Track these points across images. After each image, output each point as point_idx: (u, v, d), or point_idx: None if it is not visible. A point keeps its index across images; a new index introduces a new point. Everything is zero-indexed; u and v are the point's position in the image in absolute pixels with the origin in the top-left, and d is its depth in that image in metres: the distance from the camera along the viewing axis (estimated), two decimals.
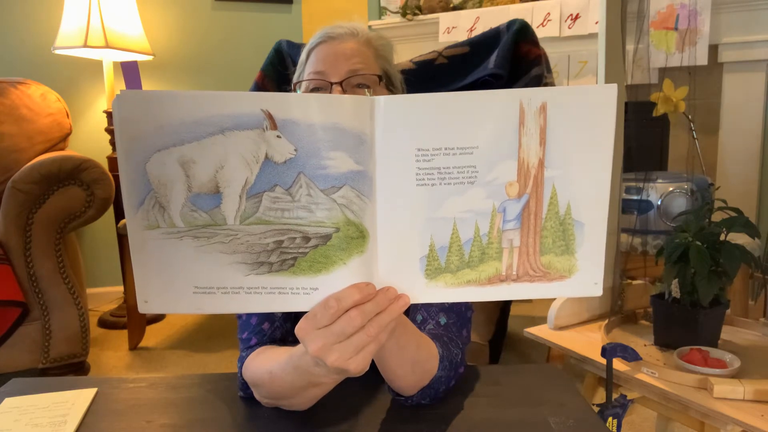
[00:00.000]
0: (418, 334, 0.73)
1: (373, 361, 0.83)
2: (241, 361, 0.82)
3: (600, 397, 1.20)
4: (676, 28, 2.38)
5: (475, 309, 1.54)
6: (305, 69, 0.88)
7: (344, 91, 0.84)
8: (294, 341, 0.75)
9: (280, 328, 0.85)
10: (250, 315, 0.85)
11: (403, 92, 0.94)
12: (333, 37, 0.87)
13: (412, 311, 0.85)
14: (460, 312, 0.85)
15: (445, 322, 0.84)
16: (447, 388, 0.80)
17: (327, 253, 0.56)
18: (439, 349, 0.77)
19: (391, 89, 0.91)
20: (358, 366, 0.57)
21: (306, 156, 0.54)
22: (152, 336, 2.54)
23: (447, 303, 0.84)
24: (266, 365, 0.74)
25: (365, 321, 0.56)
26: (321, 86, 0.85)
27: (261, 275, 0.56)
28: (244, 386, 0.82)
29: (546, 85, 1.77)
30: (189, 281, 0.56)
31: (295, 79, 0.91)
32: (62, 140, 2.33)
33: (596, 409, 0.97)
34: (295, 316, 0.85)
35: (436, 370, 0.76)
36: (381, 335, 0.57)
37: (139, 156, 0.54)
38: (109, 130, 2.63)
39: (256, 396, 0.79)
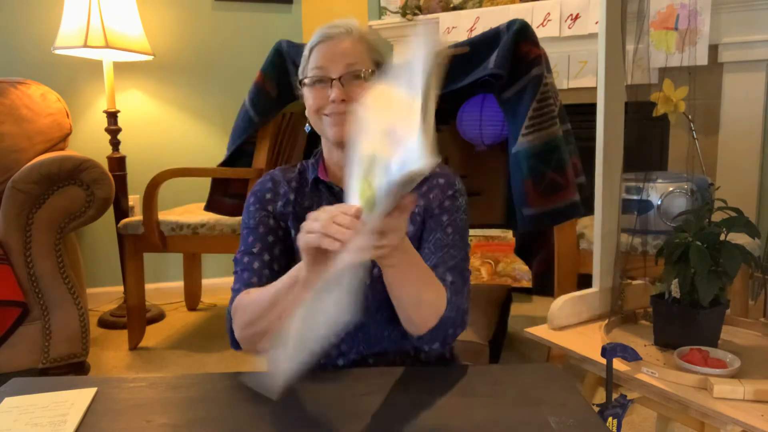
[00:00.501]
0: (426, 272, 0.87)
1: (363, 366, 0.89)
2: (231, 304, 0.96)
3: (600, 397, 1.20)
4: (676, 28, 2.38)
5: (475, 312, 1.56)
6: (308, 65, 1.00)
7: (342, 85, 0.96)
8: None
9: (258, 284, 0.97)
10: (244, 270, 1.00)
11: None
12: (331, 36, 0.99)
13: None
14: (462, 272, 0.98)
15: (451, 279, 0.97)
16: (454, 333, 0.93)
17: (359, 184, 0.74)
18: (447, 293, 0.91)
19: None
20: (301, 243, 0.78)
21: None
22: (152, 336, 2.54)
23: (452, 263, 0.98)
24: (254, 295, 0.91)
25: (325, 223, 0.74)
26: (323, 79, 0.98)
27: None
28: (230, 327, 0.95)
29: (546, 84, 1.77)
30: None
31: (300, 74, 1.03)
32: (62, 140, 2.34)
33: (596, 409, 0.97)
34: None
35: (443, 310, 0.89)
36: (320, 240, 0.73)
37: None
38: (109, 130, 2.63)
39: (236, 330, 0.93)
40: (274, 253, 1.01)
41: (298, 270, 0.83)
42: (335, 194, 1.04)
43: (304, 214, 1.00)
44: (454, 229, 1.02)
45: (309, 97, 1.00)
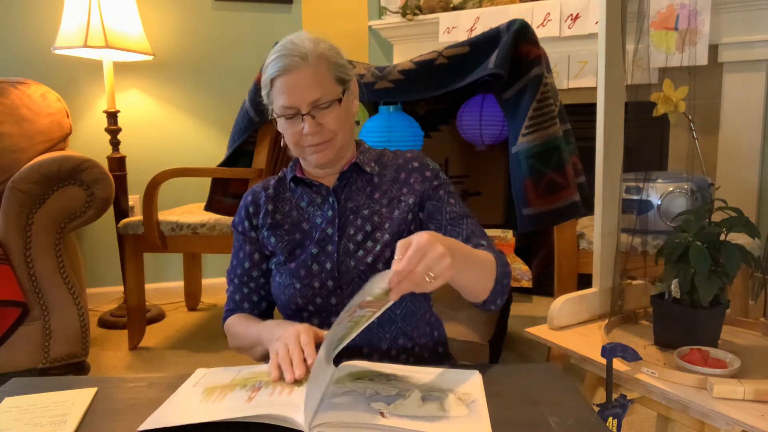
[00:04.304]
0: (473, 257, 0.90)
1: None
2: (224, 321, 1.13)
3: (600, 397, 1.20)
4: (676, 28, 2.38)
5: (475, 311, 1.58)
6: (275, 99, 1.02)
7: (313, 117, 1.00)
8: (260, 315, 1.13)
9: (248, 311, 1.13)
10: (229, 298, 1.14)
11: (356, 84, 1.11)
12: (288, 69, 0.98)
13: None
14: (483, 230, 1.08)
15: (484, 242, 1.05)
16: (508, 282, 1.01)
17: None
18: (492, 254, 0.98)
19: (346, 92, 1.05)
20: (270, 351, 0.88)
21: None
22: (152, 336, 2.54)
23: (476, 229, 1.06)
24: (241, 328, 1.07)
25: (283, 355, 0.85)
26: (294, 117, 1.01)
27: None
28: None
29: (546, 84, 1.77)
30: None
31: (266, 99, 1.05)
32: (62, 140, 2.34)
33: (596, 409, 0.97)
34: (266, 307, 1.16)
35: (495, 272, 0.95)
36: (283, 365, 0.83)
37: None
38: (109, 130, 2.63)
39: (229, 342, 1.11)
40: (252, 276, 1.12)
41: (261, 336, 0.98)
42: (315, 189, 1.09)
43: (282, 220, 1.10)
44: (455, 199, 1.09)
45: (285, 130, 1.04)
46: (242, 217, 1.11)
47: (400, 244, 0.78)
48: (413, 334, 1.07)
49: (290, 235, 1.07)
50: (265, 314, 1.14)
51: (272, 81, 1.01)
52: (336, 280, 1.03)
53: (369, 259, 1.02)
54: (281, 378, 0.81)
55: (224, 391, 0.80)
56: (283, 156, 2.36)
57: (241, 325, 1.07)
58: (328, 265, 1.03)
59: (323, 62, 1.00)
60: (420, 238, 0.77)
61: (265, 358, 1.02)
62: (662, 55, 2.39)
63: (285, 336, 0.87)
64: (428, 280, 0.76)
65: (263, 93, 1.05)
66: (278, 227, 1.08)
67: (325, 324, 1.04)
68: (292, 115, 1.00)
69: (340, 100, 1.02)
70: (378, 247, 1.03)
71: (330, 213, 1.06)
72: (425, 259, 0.75)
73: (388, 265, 1.02)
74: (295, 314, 1.06)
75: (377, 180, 1.09)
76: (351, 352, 1.02)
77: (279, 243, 1.07)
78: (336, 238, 1.05)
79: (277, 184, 1.13)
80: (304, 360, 0.81)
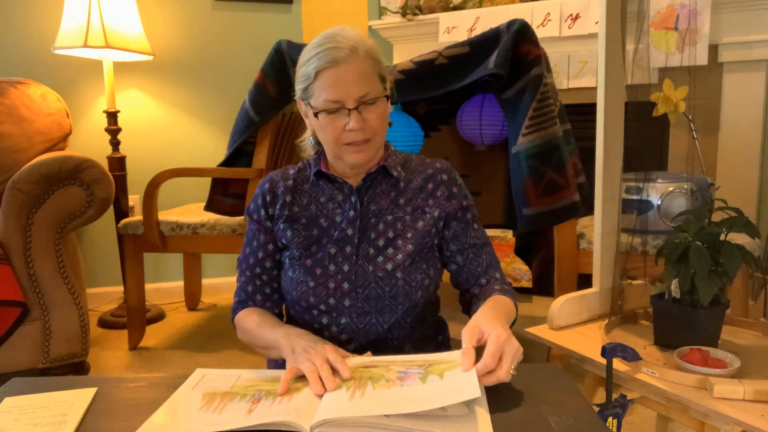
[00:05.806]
0: (507, 319, 0.96)
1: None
2: (234, 312, 1.11)
3: (600, 397, 1.20)
4: (676, 28, 2.38)
5: None
6: (317, 92, 0.98)
7: (360, 113, 0.97)
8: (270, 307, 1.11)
9: (260, 304, 1.11)
10: (241, 289, 1.11)
11: (392, 84, 1.06)
12: (337, 61, 0.95)
13: (473, 278, 1.08)
14: (498, 261, 1.11)
15: (498, 274, 1.09)
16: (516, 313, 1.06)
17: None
18: (512, 300, 1.01)
19: (386, 89, 1.03)
20: (294, 363, 0.87)
21: None
22: (152, 336, 2.54)
23: (494, 260, 1.10)
24: (254, 325, 1.03)
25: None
26: (338, 111, 0.97)
27: None
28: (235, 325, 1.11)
29: (546, 84, 1.77)
30: None
31: (302, 93, 1.01)
32: (62, 140, 2.34)
33: (596, 409, 0.97)
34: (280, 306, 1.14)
35: (514, 318, 1.01)
36: (310, 377, 0.82)
37: None
38: (109, 130, 2.63)
39: (238, 335, 1.09)
40: (266, 267, 1.09)
41: (279, 343, 0.94)
42: (338, 186, 1.07)
43: (300, 213, 1.06)
44: (478, 223, 1.10)
45: (325, 126, 0.99)
46: (258, 205, 1.08)
47: (468, 333, 0.83)
48: (418, 339, 1.07)
49: (307, 231, 1.05)
50: (277, 306, 1.12)
51: (317, 73, 0.96)
52: (352, 283, 1.02)
53: (389, 266, 1.01)
54: (286, 393, 0.80)
55: (224, 400, 0.80)
56: (283, 156, 2.36)
57: (254, 322, 1.04)
58: (346, 267, 1.02)
59: (370, 57, 0.98)
60: (498, 336, 0.81)
61: (277, 360, 1.02)
62: (662, 55, 2.39)
63: (311, 353, 0.85)
64: (513, 373, 0.79)
65: (299, 87, 1.01)
66: (295, 221, 1.06)
67: (334, 324, 1.03)
68: (336, 109, 0.97)
69: (387, 97, 1.01)
70: (399, 256, 1.02)
71: (351, 213, 1.04)
72: (505, 356, 0.80)
73: (407, 274, 1.02)
74: (304, 311, 1.05)
75: (403, 185, 1.07)
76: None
77: (295, 237, 1.05)
78: (356, 240, 1.03)
79: (297, 175, 1.09)
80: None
